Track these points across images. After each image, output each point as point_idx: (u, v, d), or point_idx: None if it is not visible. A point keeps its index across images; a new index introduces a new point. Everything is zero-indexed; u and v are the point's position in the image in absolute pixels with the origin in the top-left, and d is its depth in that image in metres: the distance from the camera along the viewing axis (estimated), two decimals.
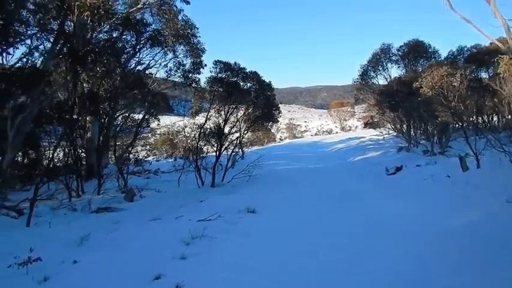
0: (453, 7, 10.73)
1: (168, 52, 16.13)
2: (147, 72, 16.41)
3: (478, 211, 6.44)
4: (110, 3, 10.50)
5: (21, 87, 7.52)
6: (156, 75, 17.08)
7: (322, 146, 24.94)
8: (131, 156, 16.63)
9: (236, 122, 14.40)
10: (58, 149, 12.56)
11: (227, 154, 14.12)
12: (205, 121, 13.76)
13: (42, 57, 10.05)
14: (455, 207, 6.94)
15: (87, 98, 12.60)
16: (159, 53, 15.97)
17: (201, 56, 16.19)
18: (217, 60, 13.56)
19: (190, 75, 16.22)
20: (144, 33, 14.64)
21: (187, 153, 14.38)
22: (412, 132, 16.36)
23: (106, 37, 13.29)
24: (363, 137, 23.80)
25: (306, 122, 52.88)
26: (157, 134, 31.26)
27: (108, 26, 11.76)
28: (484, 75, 15.54)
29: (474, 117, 13.52)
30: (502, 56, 9.94)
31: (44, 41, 10.44)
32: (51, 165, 11.68)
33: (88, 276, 4.33)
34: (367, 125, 24.59)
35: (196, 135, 13.67)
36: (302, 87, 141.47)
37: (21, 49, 10.12)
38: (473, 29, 10.33)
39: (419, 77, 12.66)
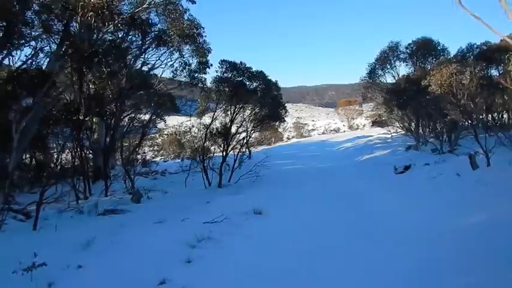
0: (462, 3, 10.52)
1: (174, 52, 16.10)
2: (152, 72, 16.43)
3: (488, 210, 6.30)
4: (114, 4, 10.44)
5: (27, 89, 7.50)
6: (162, 76, 17.10)
7: (329, 145, 24.84)
8: (138, 157, 16.68)
9: (243, 121, 14.35)
10: (66, 151, 12.66)
11: (234, 154, 14.08)
12: (212, 121, 13.73)
13: (48, 59, 10.09)
14: (465, 206, 6.80)
15: (93, 99, 12.59)
16: (164, 53, 15.95)
17: (207, 55, 16.13)
18: (223, 60, 13.55)
19: (196, 75, 16.20)
20: (150, 34, 14.63)
21: (194, 153, 14.35)
22: (420, 130, 16.20)
23: (111, 38, 13.32)
24: (371, 136, 23.65)
25: (313, 120, 52.66)
26: (165, 134, 31.31)
27: (113, 27, 11.72)
28: (494, 72, 15.32)
29: (484, 114, 13.34)
30: None
31: (50, 43, 10.49)
32: (58, 168, 11.76)
33: (92, 282, 4.28)
34: (375, 123, 24.38)
35: (203, 136, 13.65)
36: (309, 86, 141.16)
37: (27, 51, 10.25)
38: (482, 26, 10.14)
39: (427, 75, 12.48)
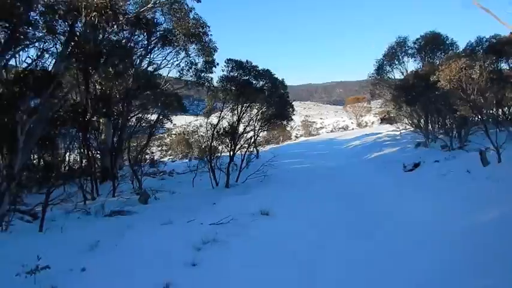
0: None
1: (180, 52, 16.09)
2: (159, 72, 16.45)
3: (501, 207, 6.16)
4: (117, 4, 10.42)
5: (32, 90, 7.52)
6: (169, 75, 17.11)
7: (337, 143, 24.67)
8: (147, 157, 16.74)
9: (250, 121, 14.30)
10: (74, 152, 12.74)
11: (241, 154, 14.03)
12: (219, 121, 13.68)
13: (54, 60, 10.11)
14: (477, 204, 6.66)
15: (100, 99, 12.62)
16: (170, 52, 15.95)
17: (213, 54, 16.08)
18: (229, 59, 13.47)
19: (203, 74, 16.16)
20: (155, 33, 14.64)
21: (202, 153, 14.33)
22: (429, 127, 16.00)
23: (117, 38, 13.34)
24: (380, 133, 23.44)
25: (321, 118, 52.45)
26: (173, 134, 31.40)
27: (117, 27, 11.72)
28: (504, 66, 15.07)
29: (494, 109, 13.11)
30: None
31: (56, 44, 10.53)
32: (66, 168, 11.83)
33: (95, 286, 4.25)
34: (384, 120, 24.20)
35: (210, 135, 13.62)
36: (317, 84, 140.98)
37: (34, 52, 10.27)
38: (491, 19, 9.96)
39: (436, 70, 12.29)
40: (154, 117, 15.91)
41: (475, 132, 12.67)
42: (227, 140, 13.59)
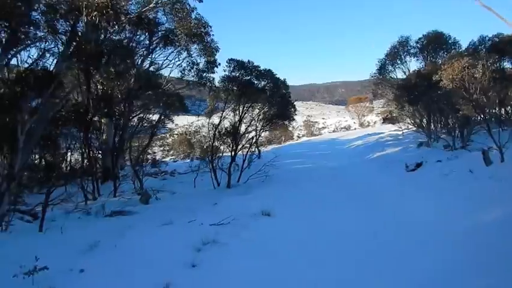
0: None
1: (182, 52, 16.10)
2: (160, 72, 16.45)
3: (504, 207, 6.14)
4: (118, 3, 10.41)
5: (33, 89, 7.51)
6: (170, 75, 17.11)
7: (340, 143, 24.60)
8: (148, 157, 16.72)
9: (251, 121, 14.27)
10: (76, 152, 12.71)
11: (243, 154, 13.99)
12: (220, 121, 13.65)
13: (56, 60, 10.11)
14: (480, 204, 6.63)
15: (102, 99, 12.62)
16: (172, 52, 15.96)
17: (215, 54, 16.09)
18: (231, 59, 13.45)
19: (205, 74, 16.18)
20: (157, 33, 14.63)
21: (203, 153, 14.28)
22: (432, 126, 15.92)
23: (119, 38, 13.35)
24: (382, 133, 23.37)
25: (323, 118, 52.41)
26: (175, 134, 31.41)
27: (118, 27, 11.72)
28: (507, 65, 15.00)
29: (497, 108, 13.04)
30: None
31: (58, 44, 10.53)
32: (67, 168, 11.81)
33: (94, 286, 4.22)
34: (386, 120, 24.11)
35: (211, 135, 13.59)
36: (319, 84, 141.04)
37: (35, 52, 10.28)
38: (494, 17, 9.89)
39: (439, 70, 12.23)
40: (156, 117, 15.91)
41: (478, 131, 12.58)
42: (229, 140, 13.56)
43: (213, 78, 16.06)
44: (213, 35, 15.91)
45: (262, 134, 17.09)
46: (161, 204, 10.09)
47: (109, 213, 8.59)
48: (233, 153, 13.46)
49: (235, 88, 13.33)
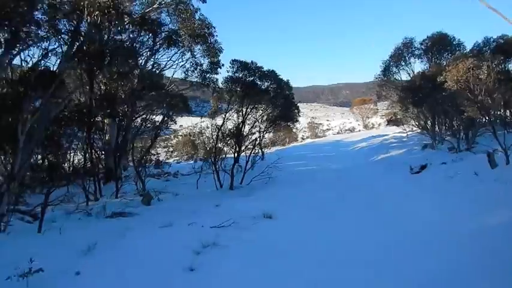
0: None
1: (185, 52, 16.06)
2: (164, 73, 16.42)
3: (510, 210, 6.05)
4: (124, 4, 10.39)
5: (33, 89, 7.49)
6: (174, 76, 17.08)
7: (344, 145, 24.51)
8: (153, 158, 16.69)
9: (255, 122, 14.24)
10: (78, 152, 12.69)
11: (246, 155, 13.95)
12: (223, 122, 13.63)
13: (59, 60, 10.09)
14: (485, 207, 6.53)
15: (105, 100, 12.61)
16: (176, 53, 15.92)
17: (219, 55, 16.06)
18: (234, 60, 13.46)
19: (208, 75, 16.14)
20: (161, 34, 14.61)
21: (207, 154, 14.23)
22: (436, 128, 15.82)
23: (122, 38, 13.34)
24: (386, 135, 23.28)
25: (328, 120, 52.29)
26: (180, 135, 31.43)
27: (123, 27, 11.71)
28: None
29: (502, 110, 12.93)
30: None
31: (61, 44, 10.51)
32: (70, 169, 11.78)
33: None
34: (390, 122, 23.98)
35: (214, 137, 13.57)
36: (324, 86, 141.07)
37: (38, 51, 10.28)
38: (498, 19, 9.77)
39: (443, 71, 12.15)
40: (159, 118, 15.90)
41: (483, 133, 12.48)
42: (232, 142, 13.53)
43: (217, 79, 16.05)
44: (216, 35, 15.92)
45: (266, 136, 17.05)
46: (163, 206, 10.01)
47: (110, 215, 8.52)
48: (236, 154, 13.42)
49: (238, 89, 13.31)
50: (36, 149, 9.98)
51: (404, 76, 19.64)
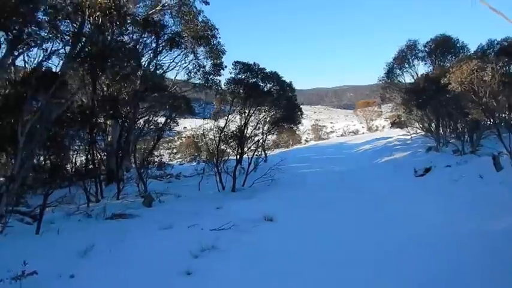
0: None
1: (188, 54, 16.02)
2: (167, 75, 16.40)
3: None
4: (122, 4, 10.36)
5: (34, 89, 7.48)
6: (177, 78, 17.04)
7: (347, 148, 24.37)
8: (156, 159, 16.66)
9: (257, 124, 14.19)
10: (81, 153, 12.69)
11: (248, 157, 13.90)
12: (226, 123, 13.60)
13: (62, 61, 10.08)
14: (490, 210, 6.47)
15: (107, 101, 12.61)
16: (179, 55, 15.89)
17: (221, 57, 15.98)
18: (237, 61, 13.44)
19: (211, 77, 16.09)
20: (164, 36, 14.59)
21: (210, 156, 14.18)
22: (441, 131, 15.70)
23: (125, 39, 13.33)
24: (390, 137, 23.13)
25: (331, 123, 52.26)
26: (183, 137, 31.46)
27: (126, 28, 11.69)
28: None
29: (507, 113, 12.81)
30: None
31: (65, 45, 10.50)
32: (73, 170, 11.78)
33: None
34: (394, 124, 23.85)
35: (217, 138, 13.53)
36: (328, 88, 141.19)
37: (40, 53, 10.28)
38: (502, 21, 9.66)
39: (447, 73, 12.05)
40: (162, 119, 15.88)
41: (488, 136, 12.35)
42: (234, 144, 13.49)
43: (219, 81, 15.99)
44: (219, 37, 15.85)
45: (269, 138, 17.00)
46: (164, 208, 9.96)
47: (110, 216, 8.46)
48: (238, 156, 13.38)
49: (241, 91, 13.28)
50: (38, 150, 9.99)
51: (408, 78, 19.50)
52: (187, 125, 37.59)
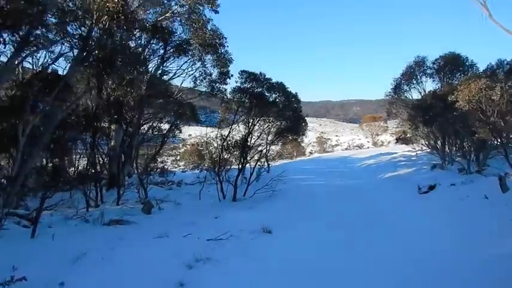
0: (493, 16, 9.98)
1: (195, 62, 16.02)
2: (173, 81, 16.40)
3: None
4: (130, 9, 10.39)
5: (38, 91, 7.46)
6: (182, 85, 17.04)
7: (351, 162, 24.22)
8: (159, 165, 16.57)
9: (261, 133, 14.13)
10: (84, 157, 12.65)
11: (250, 167, 13.81)
12: (229, 132, 13.54)
13: (69, 64, 10.09)
14: (497, 233, 6.27)
15: (112, 105, 12.60)
16: (185, 62, 15.89)
17: (228, 66, 15.95)
18: (243, 70, 13.42)
19: (217, 85, 16.06)
20: (172, 43, 14.61)
21: (212, 164, 14.08)
22: (446, 148, 15.54)
23: (133, 44, 13.36)
24: (395, 153, 22.97)
25: (337, 136, 52.14)
26: (188, 145, 31.49)
27: (133, 33, 11.68)
28: None
29: None
30: None
31: (73, 48, 10.52)
32: (75, 173, 11.72)
33: None
34: (400, 140, 23.71)
35: (220, 147, 13.47)
36: (334, 101, 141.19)
37: (48, 55, 10.30)
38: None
39: (455, 90, 11.94)
40: (167, 126, 15.82)
41: (494, 156, 12.18)
42: (237, 153, 13.42)
43: (225, 89, 15.95)
44: (227, 46, 15.86)
45: (273, 148, 16.90)
46: (162, 215, 9.87)
47: (107, 222, 8.36)
48: (241, 165, 13.30)
49: (246, 100, 13.24)
50: (42, 152, 9.95)
51: (415, 95, 19.38)
52: (192, 132, 37.68)
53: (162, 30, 13.63)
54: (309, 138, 25.73)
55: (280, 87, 13.64)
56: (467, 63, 17.76)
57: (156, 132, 15.68)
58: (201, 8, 15.23)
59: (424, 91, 18.75)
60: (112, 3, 8.23)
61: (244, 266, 5.20)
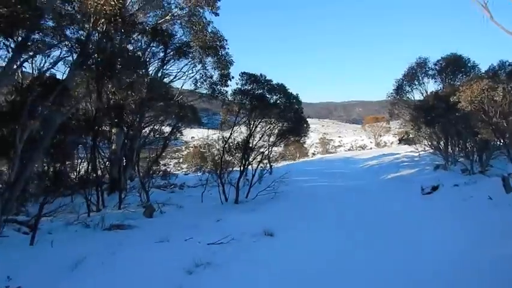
0: (494, 18, 9.89)
1: (196, 64, 16.02)
2: (173, 84, 16.41)
3: None
4: (138, 16, 10.37)
5: (36, 96, 7.44)
6: (183, 88, 17.04)
7: (354, 162, 24.15)
8: (162, 168, 16.58)
9: (262, 135, 14.08)
10: (85, 161, 12.62)
11: (252, 169, 13.76)
12: (230, 134, 13.50)
13: (69, 68, 10.08)
14: (501, 234, 6.17)
15: (113, 109, 12.59)
16: (186, 65, 15.90)
17: (229, 68, 15.94)
18: (244, 72, 13.36)
19: (218, 87, 16.04)
20: (172, 45, 14.59)
21: (215, 167, 14.04)
22: (449, 149, 15.45)
23: (133, 48, 13.36)
24: (398, 154, 22.88)
25: (340, 137, 52.08)
26: (191, 147, 31.50)
27: (131, 36, 11.68)
28: None
29: None
30: None
31: (73, 52, 10.51)
32: (76, 178, 11.68)
33: None
34: (402, 141, 23.62)
35: (221, 149, 13.44)
36: (337, 102, 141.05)
37: (47, 59, 10.30)
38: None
39: (457, 91, 11.87)
40: (168, 129, 15.80)
41: (497, 156, 12.09)
42: (238, 155, 13.38)
43: (226, 91, 15.92)
44: (228, 48, 15.85)
45: (275, 150, 16.85)
46: (164, 219, 9.81)
47: (108, 227, 8.29)
48: (243, 167, 13.25)
49: (247, 102, 13.20)
50: (43, 157, 9.93)
51: (417, 95, 19.31)
52: (195, 134, 37.73)
53: (162, 33, 13.62)
54: (312, 139, 25.70)
55: (281, 89, 13.59)
56: (469, 65, 17.68)
57: (157, 135, 15.69)
58: (201, 10, 15.26)
59: (426, 92, 18.70)
60: (109, 6, 8.20)
61: (245, 271, 5.10)
